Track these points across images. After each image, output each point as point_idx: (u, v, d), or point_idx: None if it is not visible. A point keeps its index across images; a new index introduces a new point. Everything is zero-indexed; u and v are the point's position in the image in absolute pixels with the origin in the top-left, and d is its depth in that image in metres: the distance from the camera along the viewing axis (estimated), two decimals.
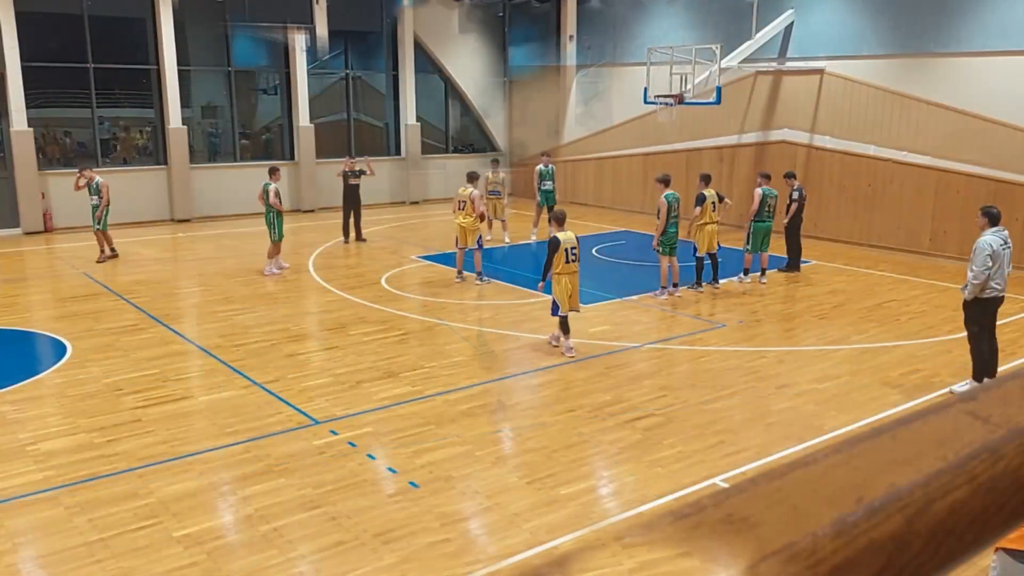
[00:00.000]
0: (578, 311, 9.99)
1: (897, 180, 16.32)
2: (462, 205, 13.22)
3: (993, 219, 8.27)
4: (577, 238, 9.81)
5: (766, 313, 11.87)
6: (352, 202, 17.07)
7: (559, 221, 9.71)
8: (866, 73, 16.61)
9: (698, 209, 12.79)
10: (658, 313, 11.89)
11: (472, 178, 13.64)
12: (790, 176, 14.12)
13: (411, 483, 6.58)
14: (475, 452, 7.15)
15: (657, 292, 12.57)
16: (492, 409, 8.17)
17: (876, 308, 12.10)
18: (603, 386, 8.78)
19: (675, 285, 12.59)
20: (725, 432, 7.61)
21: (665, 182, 12.54)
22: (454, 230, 13.46)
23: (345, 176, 17.04)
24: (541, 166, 17.98)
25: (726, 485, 5.54)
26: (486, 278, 13.31)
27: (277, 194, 14.05)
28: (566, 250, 9.52)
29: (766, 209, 13.25)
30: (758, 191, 13.29)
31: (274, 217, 13.97)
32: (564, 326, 9.76)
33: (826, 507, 0.48)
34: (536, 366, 9.54)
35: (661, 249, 12.35)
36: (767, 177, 13.56)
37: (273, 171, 14.35)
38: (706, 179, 13.19)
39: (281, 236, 14.12)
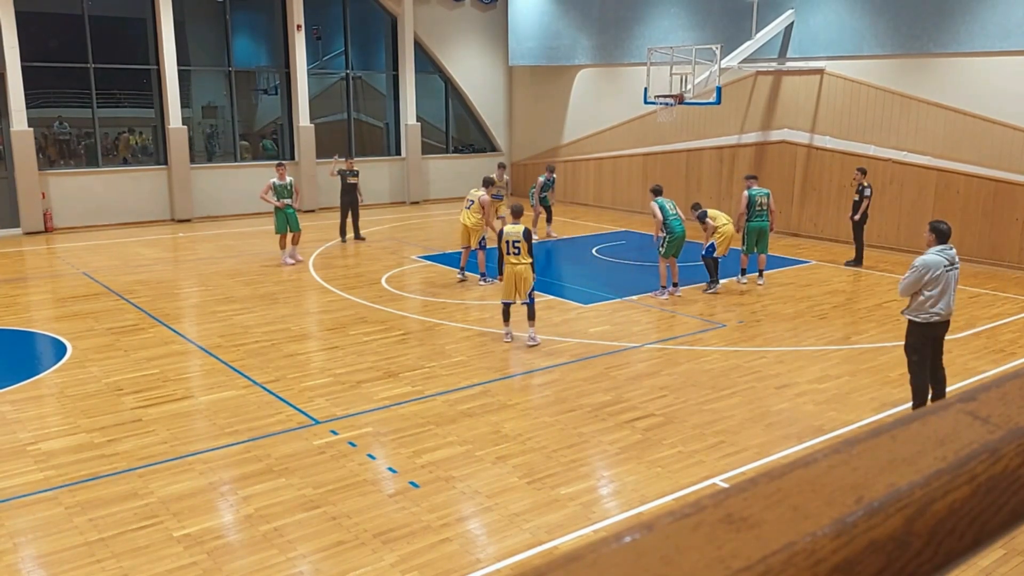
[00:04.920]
0: (524, 303, 10.06)
1: (897, 180, 16.32)
2: (469, 204, 13.32)
3: (942, 236, 7.40)
4: (527, 232, 9.93)
5: (766, 313, 11.87)
6: (350, 201, 17.14)
7: (515, 214, 10.41)
8: (866, 73, 16.61)
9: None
10: (658, 313, 11.89)
11: (487, 183, 13.69)
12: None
13: (411, 483, 6.59)
14: (475, 452, 7.16)
15: (657, 292, 12.57)
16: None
17: (876, 308, 12.10)
18: (603, 386, 8.78)
19: (675, 285, 12.60)
20: (725, 432, 7.61)
21: (655, 192, 12.72)
22: (459, 229, 13.57)
23: (343, 175, 17.10)
24: (543, 178, 17.72)
25: (726, 485, 5.54)
26: (489, 278, 13.34)
27: (267, 189, 14.73)
28: (507, 242, 10.01)
29: (756, 208, 13.13)
30: (745, 193, 13.29)
31: (276, 211, 14.77)
32: (504, 313, 10.26)
33: (826, 507, 0.48)
34: (536, 366, 9.54)
35: (664, 251, 12.32)
36: (754, 178, 13.62)
37: (278, 166, 15.21)
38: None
39: (288, 229, 14.80)
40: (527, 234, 9.94)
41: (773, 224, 13.46)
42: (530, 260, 10.02)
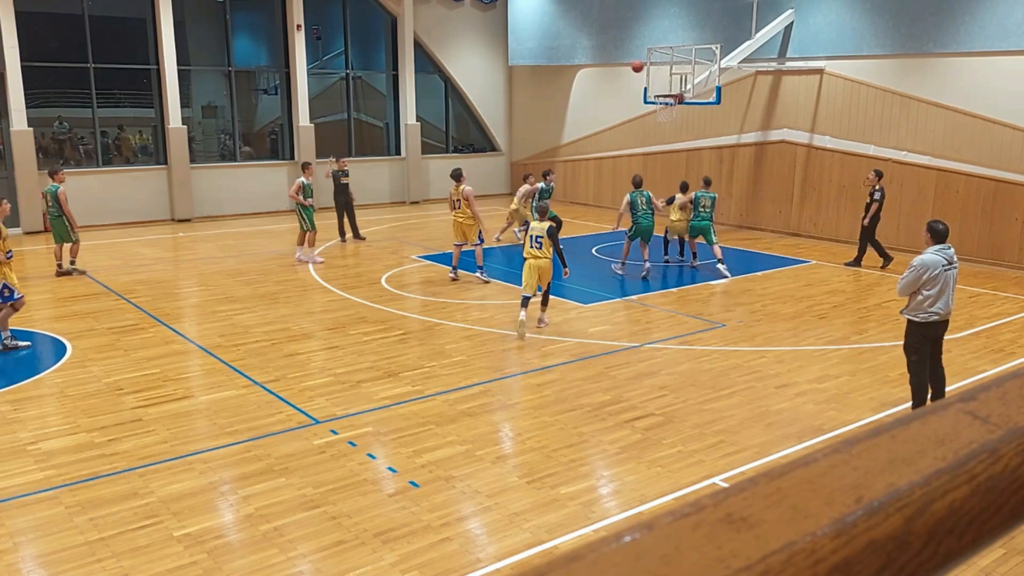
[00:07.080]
0: (538, 298, 10.70)
1: (897, 180, 16.31)
2: (457, 204, 13.35)
3: (938, 236, 7.41)
4: (551, 230, 10.51)
5: (766, 313, 11.87)
6: (345, 201, 17.24)
7: (540, 213, 10.90)
8: (866, 73, 16.60)
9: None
10: (658, 313, 11.89)
11: (456, 176, 13.58)
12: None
13: (411, 483, 6.59)
14: (475, 452, 7.16)
15: (616, 265, 14.07)
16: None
17: (876, 308, 12.10)
18: (603, 386, 8.78)
19: (645, 260, 13.87)
20: (725, 432, 7.61)
21: (634, 184, 14.16)
22: (452, 227, 13.65)
23: (335, 176, 17.23)
24: (541, 184, 16.33)
25: (726, 485, 5.53)
26: (486, 275, 13.37)
27: (298, 188, 15.11)
28: (531, 236, 10.57)
29: (700, 208, 14.40)
30: (692, 194, 14.75)
31: (300, 209, 15.08)
32: (522, 302, 10.52)
33: (825, 507, 0.48)
34: (536, 366, 9.54)
35: (631, 234, 13.81)
36: (707, 182, 14.95)
37: (305, 166, 15.78)
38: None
39: (312, 227, 15.16)
40: (552, 232, 10.44)
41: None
42: (550, 255, 10.50)
